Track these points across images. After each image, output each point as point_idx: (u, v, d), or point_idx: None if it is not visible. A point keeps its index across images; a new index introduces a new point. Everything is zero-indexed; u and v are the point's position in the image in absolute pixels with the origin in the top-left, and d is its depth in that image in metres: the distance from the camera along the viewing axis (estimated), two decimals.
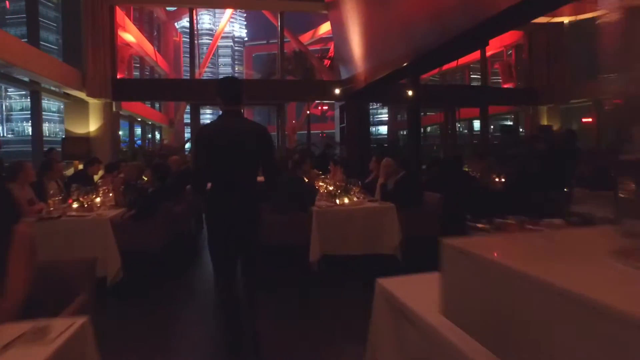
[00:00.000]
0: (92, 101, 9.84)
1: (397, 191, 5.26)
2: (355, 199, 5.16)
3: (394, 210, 4.86)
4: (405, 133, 16.03)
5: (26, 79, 8.43)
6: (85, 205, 4.78)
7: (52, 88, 9.08)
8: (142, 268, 4.56)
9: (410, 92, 8.32)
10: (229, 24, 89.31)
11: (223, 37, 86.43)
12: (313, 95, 11.16)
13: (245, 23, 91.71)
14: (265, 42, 34.31)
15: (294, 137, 22.52)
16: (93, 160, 7.10)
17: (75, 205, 4.73)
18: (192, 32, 11.39)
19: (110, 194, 5.30)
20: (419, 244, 4.16)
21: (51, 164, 5.40)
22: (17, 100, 56.27)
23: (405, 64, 7.41)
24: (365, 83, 9.06)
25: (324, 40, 21.54)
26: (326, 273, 4.60)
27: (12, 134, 55.79)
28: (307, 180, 5.32)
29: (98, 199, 5.20)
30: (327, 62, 15.06)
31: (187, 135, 18.39)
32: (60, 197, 4.75)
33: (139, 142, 15.09)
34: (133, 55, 15.18)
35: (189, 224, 5.76)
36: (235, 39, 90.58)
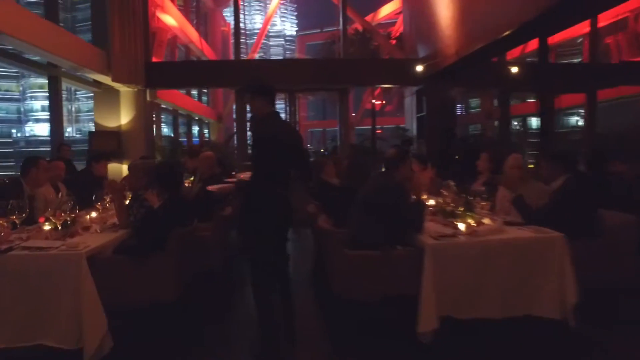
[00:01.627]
0: (124, 89, 8.47)
1: (560, 209, 3.15)
2: (487, 221, 3.12)
3: (564, 244, 2.82)
4: (479, 126, 13.55)
5: (44, 62, 7.13)
6: (65, 227, 3.11)
7: (76, 74, 7.75)
8: (145, 333, 2.84)
9: (516, 70, 6.14)
10: (280, 23, 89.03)
11: (273, 36, 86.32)
12: (383, 78, 9.08)
13: (296, 14, 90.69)
14: (319, 30, 32.60)
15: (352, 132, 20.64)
16: (99, 156, 5.55)
17: (47, 226, 3.07)
18: (236, 8, 9.79)
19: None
20: (600, 299, 2.96)
21: (29, 166, 3.80)
22: (84, 102, 58.74)
23: (524, 22, 5.22)
24: (457, 57, 6.92)
25: (383, 26, 19.39)
26: (447, 348, 2.74)
27: (79, 134, 58.50)
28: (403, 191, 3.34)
29: (89, 216, 3.54)
30: (393, 42, 12.96)
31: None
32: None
33: (183, 139, 13.83)
34: (178, 45, 13.97)
35: (223, 254, 3.95)
36: (287, 37, 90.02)
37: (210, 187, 3.59)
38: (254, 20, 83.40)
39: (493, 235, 2.92)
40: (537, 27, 5.37)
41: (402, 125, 10.67)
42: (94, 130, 8.64)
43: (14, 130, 57.97)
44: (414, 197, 3.20)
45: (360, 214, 3.07)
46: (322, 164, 4.52)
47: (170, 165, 3.29)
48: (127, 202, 3.68)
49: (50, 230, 3.07)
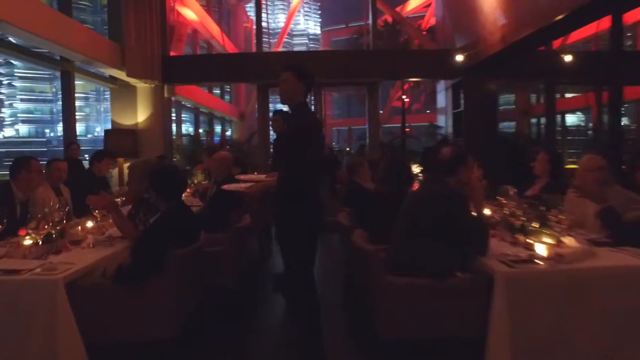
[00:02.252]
0: (140, 85, 8.07)
1: None
2: (568, 240, 2.45)
3: None
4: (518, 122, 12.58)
5: (56, 57, 6.76)
6: (49, 241, 2.61)
7: (90, 69, 7.38)
8: None
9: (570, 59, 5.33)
10: (304, 21, 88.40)
11: (297, 35, 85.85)
12: (416, 70, 8.34)
13: (319, 12, 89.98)
14: (344, 25, 31.85)
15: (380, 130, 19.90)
16: (100, 154, 5.09)
17: (27, 241, 2.57)
18: (258, 1, 9.26)
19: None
20: None
21: (18, 167, 3.32)
22: None
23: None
24: (503, 44, 6.16)
25: (410, 20, 18.56)
26: None
27: None
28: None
29: (81, 227, 3.04)
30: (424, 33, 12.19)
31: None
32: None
33: (204, 138, 13.45)
34: (199, 41, 13.59)
35: (237, 269, 3.38)
36: (310, 36, 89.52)
37: (226, 187, 3.02)
38: (277, 19, 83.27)
39: (583, 262, 2.24)
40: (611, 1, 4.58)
41: (434, 123, 9.89)
42: (110, 128, 8.26)
43: (47, 130, 59.82)
44: (475, 209, 2.54)
45: (407, 230, 2.44)
46: (355, 165, 3.90)
47: (166, 168, 2.72)
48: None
49: (29, 246, 2.57)
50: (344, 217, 3.46)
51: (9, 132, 63.60)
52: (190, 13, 11.14)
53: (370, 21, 9.11)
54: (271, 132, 9.24)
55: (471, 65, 7.39)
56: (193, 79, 8.50)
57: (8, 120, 64.12)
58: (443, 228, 2.32)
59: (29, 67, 56.72)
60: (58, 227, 2.64)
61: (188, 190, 6.09)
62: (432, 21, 12.22)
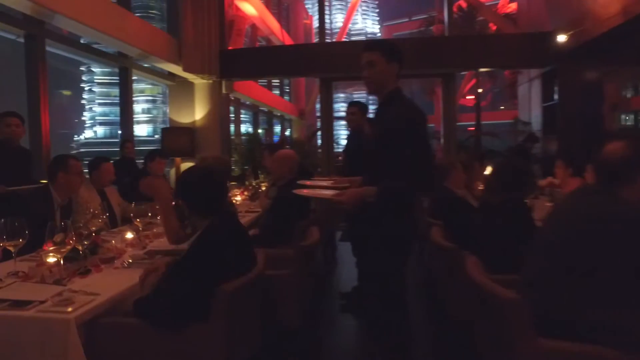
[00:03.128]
0: (198, 82, 7.76)
1: None
2: None
3: None
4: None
5: (114, 52, 6.57)
6: (73, 259, 2.13)
7: (146, 64, 7.15)
8: None
9: None
10: (361, 20, 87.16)
11: (354, 34, 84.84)
12: (500, 58, 7.26)
13: (377, 10, 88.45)
14: (407, 19, 30.54)
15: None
16: (153, 154, 4.73)
17: (50, 258, 2.08)
18: None
19: None
20: None
21: (56, 168, 2.92)
22: None
23: None
24: (623, 18, 5.04)
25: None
26: None
27: None
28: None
29: (125, 237, 2.55)
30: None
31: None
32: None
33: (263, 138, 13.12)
34: (259, 37, 13.28)
35: (303, 303, 2.72)
36: (369, 35, 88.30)
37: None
38: (335, 19, 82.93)
39: None
40: None
41: (519, 118, 8.72)
42: (167, 127, 8.04)
43: (120, 132, 64.23)
44: None
45: (556, 268, 1.62)
46: (447, 168, 3.13)
47: (197, 173, 2.01)
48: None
49: (51, 266, 2.08)
50: (437, 233, 2.70)
51: (88, 133, 69.09)
52: (250, 7, 10.80)
53: (445, 7, 8.15)
54: (334, 132, 8.61)
55: (572, 48, 6.25)
56: (252, 73, 8.06)
57: (88, 123, 69.70)
58: (617, 266, 1.49)
59: (106, 74, 61.12)
60: (86, 242, 2.13)
61: (245, 192, 5.61)
62: (512, 6, 10.99)
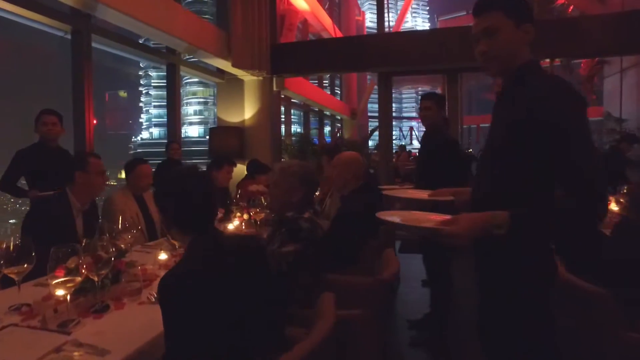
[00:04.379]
0: (248, 78, 7.37)
1: None
2: None
3: None
4: None
5: (162, 49, 6.30)
6: (89, 290, 1.66)
7: (193, 59, 6.84)
8: None
9: None
10: (411, 19, 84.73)
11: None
12: (589, 45, 6.21)
13: (427, 8, 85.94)
14: (464, 12, 28.92)
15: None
16: (220, 161, 4.32)
17: (59, 290, 1.61)
18: None
19: None
20: None
21: (75, 168, 2.50)
22: None
23: None
24: None
25: None
26: None
27: None
28: None
29: (158, 257, 2.08)
30: None
31: (373, 126, 15.16)
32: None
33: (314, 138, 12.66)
34: (310, 33, 12.82)
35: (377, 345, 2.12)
36: None
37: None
38: (385, 18, 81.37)
39: None
40: None
41: (611, 114, 7.59)
42: (215, 127, 7.71)
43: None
44: None
45: None
46: None
47: (175, 174, 1.41)
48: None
49: (57, 302, 1.61)
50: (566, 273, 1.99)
51: (145, 135, 72.68)
52: (302, 2, 10.34)
53: None
54: (397, 132, 7.90)
55: None
56: (304, 69, 7.53)
57: (145, 125, 73.32)
58: None
59: (161, 77, 63.90)
60: (102, 271, 1.64)
61: None
62: None
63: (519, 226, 1.20)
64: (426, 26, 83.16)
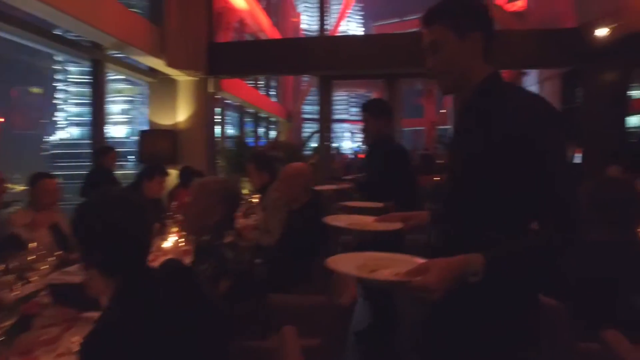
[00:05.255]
0: (182, 79, 6.96)
1: None
2: None
3: None
4: None
5: (84, 41, 5.71)
6: None
7: (122, 56, 6.31)
8: None
9: None
10: (345, 24, 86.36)
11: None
12: (516, 57, 6.63)
13: (362, 13, 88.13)
14: (397, 19, 29.90)
15: (433, 133, 18.17)
16: (151, 171, 3.95)
17: None
18: None
19: None
20: None
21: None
22: None
23: None
24: None
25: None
26: None
27: None
28: None
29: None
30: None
31: (308, 130, 15.12)
32: None
33: (250, 140, 12.36)
34: (247, 34, 12.49)
35: None
36: None
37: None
38: (318, 22, 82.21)
39: None
40: None
41: None
42: (146, 129, 7.19)
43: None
44: None
45: None
46: None
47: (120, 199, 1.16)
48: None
49: None
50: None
51: (62, 134, 66.87)
52: (240, 0, 10.01)
53: None
54: (334, 138, 7.86)
55: (602, 46, 5.68)
56: (243, 70, 7.26)
57: (61, 124, 67.47)
58: None
59: (82, 73, 59.28)
60: (4, 324, 1.33)
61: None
62: (518, 4, 10.49)
63: (497, 270, 1.06)
64: (360, 31, 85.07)
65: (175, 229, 3.07)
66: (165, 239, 2.89)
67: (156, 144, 6.71)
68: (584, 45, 5.97)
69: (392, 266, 1.13)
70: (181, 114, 7.08)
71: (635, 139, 7.22)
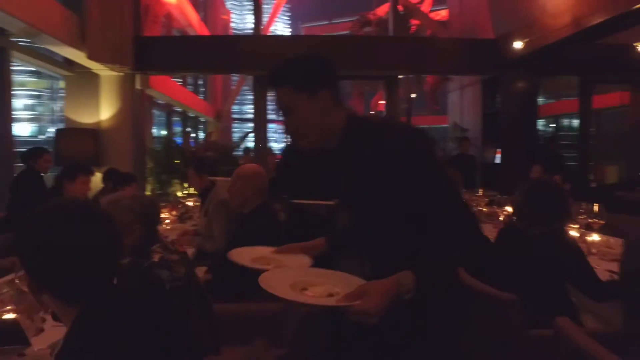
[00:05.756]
0: (105, 73, 6.45)
1: None
2: None
3: None
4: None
5: None
6: None
7: (35, 45, 5.71)
8: None
9: None
10: (273, 23, 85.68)
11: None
12: (444, 64, 7.04)
13: (289, 14, 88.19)
14: (326, 22, 30.29)
15: None
16: (73, 172, 3.60)
17: None
18: None
19: None
20: None
21: None
22: None
23: None
24: (575, 28, 5.02)
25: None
26: None
27: None
28: None
29: None
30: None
31: (236, 130, 14.81)
32: None
33: (178, 140, 11.80)
34: (175, 29, 11.92)
35: None
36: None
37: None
38: (245, 20, 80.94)
39: None
40: None
41: (457, 123, 8.72)
42: (63, 127, 6.58)
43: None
44: None
45: None
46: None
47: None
48: None
49: None
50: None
51: None
52: None
53: (391, 8, 7.80)
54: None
55: (519, 56, 6.22)
56: (173, 66, 6.91)
57: None
58: None
59: None
60: None
61: (173, 211, 4.58)
62: (441, 13, 11.18)
63: (425, 282, 1.10)
64: (287, 32, 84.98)
65: None
66: None
67: (76, 144, 6.15)
68: (501, 55, 6.52)
69: (325, 283, 1.12)
70: (105, 111, 6.57)
71: (542, 141, 8.03)
